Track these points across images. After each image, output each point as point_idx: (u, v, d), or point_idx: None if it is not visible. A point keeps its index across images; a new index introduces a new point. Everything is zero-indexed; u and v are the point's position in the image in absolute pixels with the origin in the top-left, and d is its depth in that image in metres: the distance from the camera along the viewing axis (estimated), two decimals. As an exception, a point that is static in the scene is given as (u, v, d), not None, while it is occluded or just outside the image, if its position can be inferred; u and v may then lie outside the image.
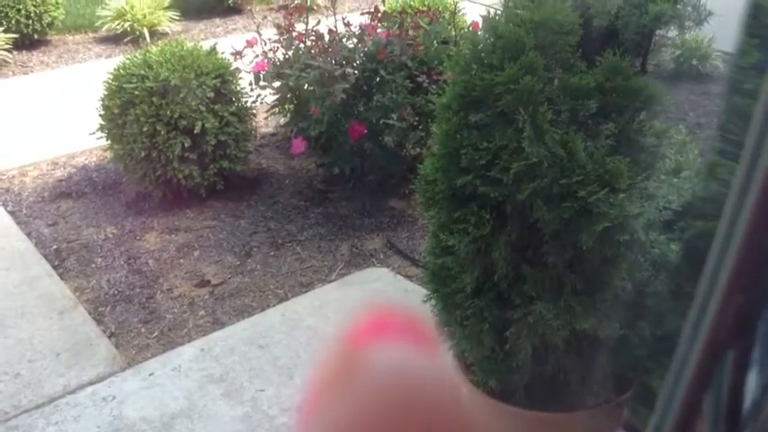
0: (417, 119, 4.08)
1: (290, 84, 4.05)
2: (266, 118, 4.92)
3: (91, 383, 2.87)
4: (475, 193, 1.85)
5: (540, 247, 1.84)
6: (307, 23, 4.19)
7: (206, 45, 4.36)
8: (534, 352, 1.90)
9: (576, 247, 1.80)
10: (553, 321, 1.80)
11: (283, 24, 4.15)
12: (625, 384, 2.10)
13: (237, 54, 4.21)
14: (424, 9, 4.81)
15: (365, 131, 3.97)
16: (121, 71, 4.06)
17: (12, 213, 4.22)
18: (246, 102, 4.29)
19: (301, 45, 4.10)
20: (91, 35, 7.51)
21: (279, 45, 4.15)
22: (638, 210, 1.80)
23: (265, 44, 4.18)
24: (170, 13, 7.41)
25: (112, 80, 4.08)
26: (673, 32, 5.73)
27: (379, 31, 4.13)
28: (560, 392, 1.99)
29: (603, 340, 1.94)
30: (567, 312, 1.81)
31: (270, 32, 4.27)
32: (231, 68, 4.21)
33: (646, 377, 2.04)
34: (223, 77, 4.12)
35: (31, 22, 6.89)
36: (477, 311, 1.91)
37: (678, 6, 5.38)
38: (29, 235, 3.98)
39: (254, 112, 4.44)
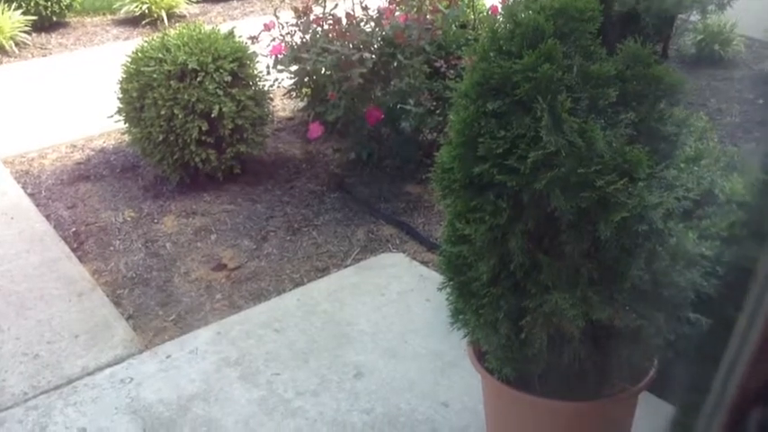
0: (435, 104, 4.06)
1: (308, 68, 4.04)
2: (283, 101, 4.91)
3: (109, 365, 2.91)
4: (492, 181, 1.83)
5: (557, 237, 1.83)
6: (324, 7, 4.17)
7: (223, 28, 4.35)
8: (550, 341, 1.89)
9: (594, 236, 1.79)
10: (569, 311, 1.79)
11: (301, 8, 4.13)
12: (641, 374, 2.09)
13: (254, 39, 4.20)
14: (443, -8, 4.76)
15: (382, 116, 3.96)
16: (139, 54, 4.08)
17: (31, 196, 4.26)
18: (264, 86, 4.28)
19: (318, 29, 4.08)
20: (109, 17, 7.53)
21: (296, 29, 4.14)
22: (657, 199, 1.78)
23: (282, 28, 4.17)
24: (188, -4, 7.41)
25: (131, 63, 4.10)
26: (695, 17, 5.66)
27: (397, 14, 4.10)
28: (576, 381, 1.99)
29: (620, 330, 1.93)
30: (583, 302, 1.80)
31: (287, 15, 4.25)
32: (248, 52, 4.20)
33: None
34: (240, 61, 4.11)
35: (49, 3, 6.91)
36: (493, 300, 1.90)
37: (701, -10, 5.31)
38: (48, 217, 4.02)
39: (272, 96, 4.43)
